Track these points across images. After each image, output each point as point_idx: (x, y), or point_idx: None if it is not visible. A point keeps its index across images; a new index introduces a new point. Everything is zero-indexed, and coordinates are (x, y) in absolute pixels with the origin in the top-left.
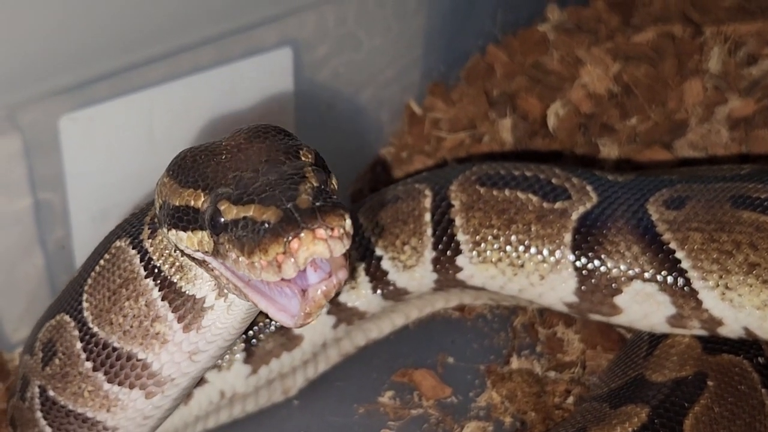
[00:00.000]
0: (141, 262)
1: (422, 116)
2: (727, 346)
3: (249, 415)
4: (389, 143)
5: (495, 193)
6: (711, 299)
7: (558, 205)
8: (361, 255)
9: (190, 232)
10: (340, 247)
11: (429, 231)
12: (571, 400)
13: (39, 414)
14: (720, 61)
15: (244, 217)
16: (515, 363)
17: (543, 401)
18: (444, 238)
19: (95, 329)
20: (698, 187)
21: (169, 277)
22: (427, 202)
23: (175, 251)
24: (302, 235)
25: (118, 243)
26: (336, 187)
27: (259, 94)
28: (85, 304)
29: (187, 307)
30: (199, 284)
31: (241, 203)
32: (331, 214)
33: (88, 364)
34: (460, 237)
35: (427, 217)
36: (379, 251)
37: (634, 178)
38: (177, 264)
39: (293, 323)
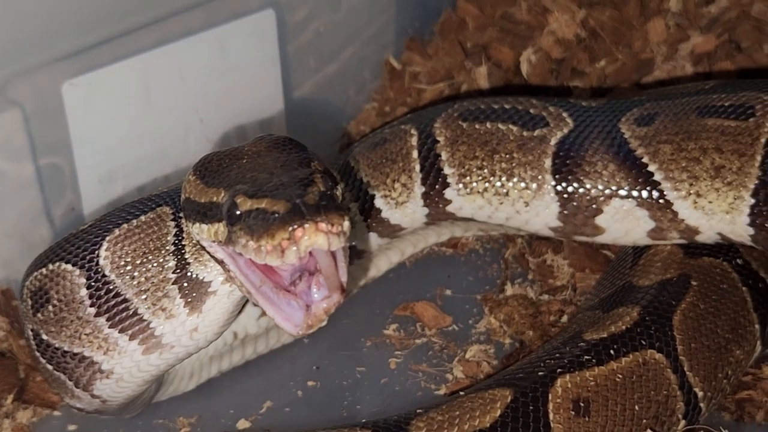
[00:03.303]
0: (174, 237)
1: (401, 71)
2: (707, 250)
3: (261, 356)
4: (372, 99)
5: (477, 126)
6: (685, 209)
7: (537, 132)
8: (355, 196)
9: (209, 225)
10: (337, 242)
11: (417, 167)
12: (565, 318)
13: (37, 353)
14: (680, 1)
15: (257, 209)
16: (510, 290)
17: (539, 321)
18: (432, 173)
19: (112, 277)
20: (666, 103)
21: (185, 259)
22: (414, 140)
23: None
24: (306, 225)
25: (165, 209)
26: (341, 195)
27: (247, 55)
28: (104, 253)
29: (193, 292)
30: (210, 267)
31: (256, 197)
32: (334, 212)
33: (91, 310)
34: (447, 170)
35: (415, 154)
36: (371, 191)
37: (607, 102)
38: (197, 247)
39: (296, 332)
